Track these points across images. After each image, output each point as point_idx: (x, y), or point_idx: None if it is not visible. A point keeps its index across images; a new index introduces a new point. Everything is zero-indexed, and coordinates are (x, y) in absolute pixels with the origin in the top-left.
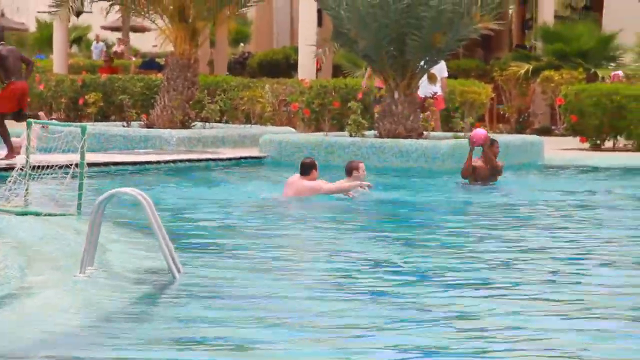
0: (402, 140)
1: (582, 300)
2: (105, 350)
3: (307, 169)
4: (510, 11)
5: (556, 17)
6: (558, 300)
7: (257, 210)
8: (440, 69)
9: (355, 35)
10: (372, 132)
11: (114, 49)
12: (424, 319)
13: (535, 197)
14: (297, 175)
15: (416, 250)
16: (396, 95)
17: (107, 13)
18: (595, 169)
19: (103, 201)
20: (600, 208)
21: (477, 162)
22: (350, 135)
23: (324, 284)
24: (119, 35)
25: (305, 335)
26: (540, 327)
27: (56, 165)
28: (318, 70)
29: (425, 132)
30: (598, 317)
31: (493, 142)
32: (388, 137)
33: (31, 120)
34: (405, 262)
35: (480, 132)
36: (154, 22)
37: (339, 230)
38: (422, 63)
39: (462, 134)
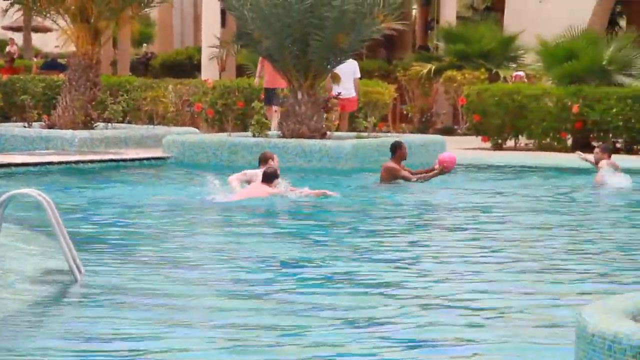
0: (305, 141)
1: (478, 302)
2: (2, 353)
3: (269, 177)
4: (413, 12)
5: (458, 17)
6: (461, 300)
7: (160, 212)
8: (354, 70)
9: (258, 36)
10: (276, 132)
11: (7, 49)
12: (327, 321)
13: (439, 197)
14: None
15: (324, 251)
16: (299, 96)
17: (6, 12)
18: (497, 168)
19: (3, 202)
20: (499, 207)
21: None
22: (254, 136)
23: (227, 285)
24: (21, 35)
25: (205, 336)
26: (444, 324)
27: None
28: (222, 70)
29: (328, 132)
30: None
31: (401, 145)
32: (292, 138)
33: None
34: (312, 263)
35: (453, 157)
36: (55, 22)
37: (249, 233)
38: (325, 63)
39: (365, 134)
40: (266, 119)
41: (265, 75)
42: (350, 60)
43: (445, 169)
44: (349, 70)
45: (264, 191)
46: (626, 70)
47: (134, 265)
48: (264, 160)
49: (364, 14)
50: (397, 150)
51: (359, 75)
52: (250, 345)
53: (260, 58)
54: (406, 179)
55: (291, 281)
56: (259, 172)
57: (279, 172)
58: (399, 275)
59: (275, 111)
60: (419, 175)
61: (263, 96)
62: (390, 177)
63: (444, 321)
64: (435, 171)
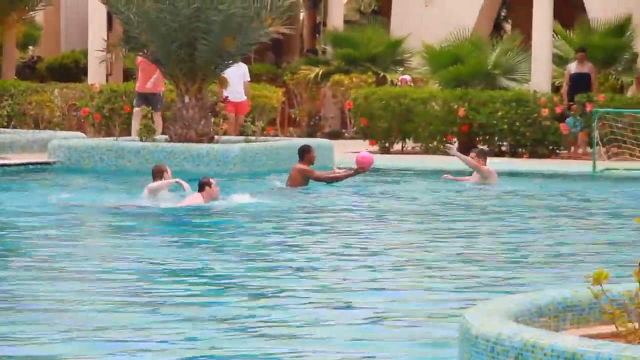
0: (193, 145)
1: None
2: None
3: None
4: (300, 15)
5: (346, 21)
6: (349, 303)
7: (44, 217)
8: (244, 74)
9: (145, 40)
10: (164, 136)
11: None
12: (221, 326)
13: (329, 201)
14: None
15: (218, 257)
16: (187, 100)
17: None
18: (384, 172)
19: None
20: (386, 210)
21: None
22: (141, 140)
23: (118, 292)
24: None
25: (95, 345)
26: (330, 325)
27: None
28: (109, 74)
29: (216, 136)
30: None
31: (310, 149)
32: (179, 142)
33: None
34: (206, 269)
35: (370, 157)
36: None
37: (143, 240)
38: (213, 67)
39: (253, 137)
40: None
41: (138, 80)
42: (240, 63)
43: (361, 169)
44: (238, 73)
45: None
46: (511, 74)
47: (18, 270)
48: (158, 173)
49: (251, 17)
50: (305, 154)
51: (248, 79)
52: (139, 350)
53: (137, 62)
54: (320, 180)
55: (183, 287)
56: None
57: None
58: (289, 279)
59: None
60: (332, 176)
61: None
62: (302, 179)
63: (330, 323)
64: (351, 172)
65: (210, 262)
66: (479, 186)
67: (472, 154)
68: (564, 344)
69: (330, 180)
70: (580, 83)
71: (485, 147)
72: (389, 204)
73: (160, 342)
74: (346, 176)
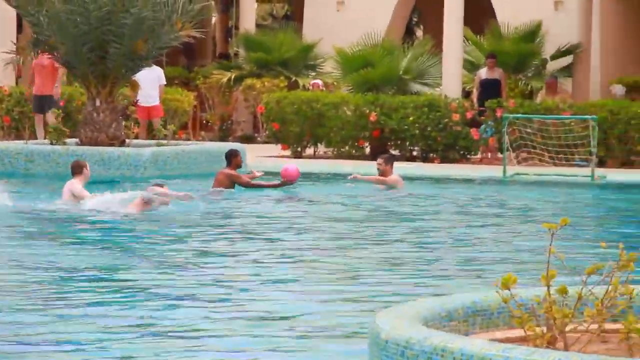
0: (104, 148)
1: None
2: None
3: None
4: (212, 19)
5: (258, 25)
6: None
7: None
8: (158, 77)
9: (55, 42)
10: (74, 140)
11: None
12: (126, 329)
13: (245, 206)
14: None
15: (124, 261)
16: (98, 103)
17: None
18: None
19: None
20: (300, 216)
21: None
22: (51, 143)
23: (21, 296)
24: None
25: (4, 348)
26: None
27: None
28: (18, 77)
29: (127, 140)
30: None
31: (237, 153)
32: (90, 145)
33: None
34: (106, 272)
35: (293, 171)
36: None
37: (51, 243)
38: (124, 70)
39: (165, 141)
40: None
41: (35, 83)
42: (154, 67)
43: (289, 182)
44: (152, 77)
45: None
46: (422, 79)
47: None
48: (77, 168)
49: (162, 21)
50: (232, 158)
51: (164, 82)
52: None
53: (33, 64)
54: (246, 185)
55: (93, 291)
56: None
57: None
58: (202, 285)
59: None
60: (257, 184)
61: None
62: (229, 183)
63: (245, 331)
64: (277, 182)
65: (122, 267)
66: (387, 192)
67: (380, 160)
68: (473, 348)
69: (255, 187)
70: (490, 89)
71: (395, 153)
72: (302, 209)
73: (72, 346)
74: (272, 186)
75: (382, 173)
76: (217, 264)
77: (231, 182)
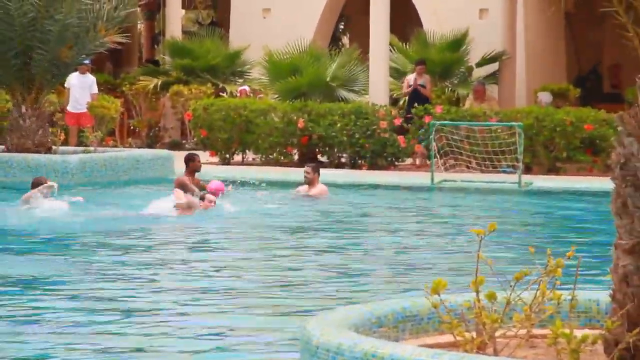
0: (30, 155)
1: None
2: None
3: None
4: (139, 26)
5: (184, 32)
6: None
7: None
8: (90, 85)
9: None
10: (0, 146)
11: None
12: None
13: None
14: None
15: (54, 269)
16: (23, 109)
17: None
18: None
19: None
20: (227, 223)
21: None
22: None
23: None
24: None
25: None
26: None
27: None
28: None
29: (54, 147)
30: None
31: (194, 157)
32: (16, 152)
33: None
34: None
35: (219, 185)
36: None
37: None
38: (49, 77)
39: (92, 148)
40: None
41: None
42: (88, 74)
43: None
44: (83, 85)
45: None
46: (349, 85)
47: None
48: (37, 183)
49: (87, 27)
50: (189, 162)
51: (96, 91)
52: None
53: None
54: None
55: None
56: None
57: None
58: (124, 292)
59: None
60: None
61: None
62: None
63: (169, 336)
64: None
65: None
66: (314, 200)
67: (307, 169)
68: (403, 353)
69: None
70: (418, 95)
71: (323, 159)
72: (231, 216)
73: None
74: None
75: (310, 181)
76: (151, 273)
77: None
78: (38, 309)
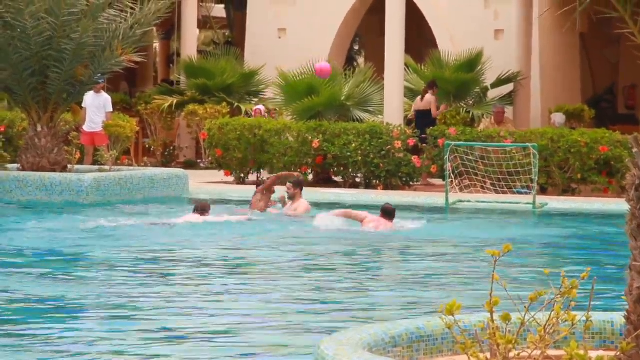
0: (46, 174)
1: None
2: None
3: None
4: (154, 45)
5: (200, 52)
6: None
7: None
8: (104, 105)
9: None
10: (15, 165)
11: None
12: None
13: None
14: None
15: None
16: (39, 128)
17: None
18: (239, 203)
19: None
20: (248, 241)
21: None
22: None
23: None
24: None
25: None
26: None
27: None
28: None
29: (69, 166)
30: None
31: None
32: (32, 170)
33: None
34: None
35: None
36: None
37: None
38: (65, 96)
39: (107, 167)
40: None
41: None
42: (102, 93)
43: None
44: (97, 103)
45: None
46: (363, 105)
47: None
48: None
49: (103, 46)
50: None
51: (110, 109)
52: None
53: None
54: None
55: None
56: None
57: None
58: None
59: None
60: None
61: None
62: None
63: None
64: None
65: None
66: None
67: (289, 185)
68: None
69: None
70: (422, 118)
71: (338, 179)
72: (241, 235)
73: None
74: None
75: (292, 196)
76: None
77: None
78: None
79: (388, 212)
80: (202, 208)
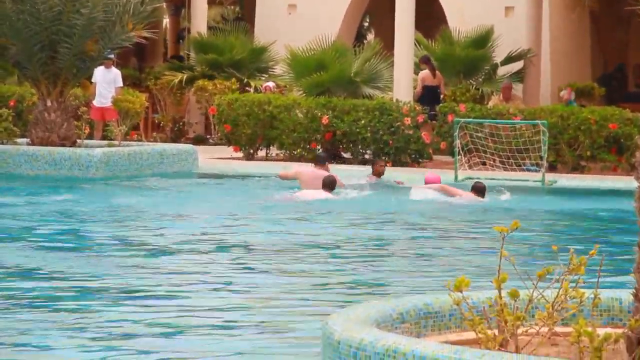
0: (55, 148)
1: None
2: None
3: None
4: (164, 21)
5: (209, 27)
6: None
7: None
8: (114, 79)
9: (5, 42)
10: (25, 139)
11: None
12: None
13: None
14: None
15: (62, 257)
16: (49, 103)
17: None
18: (247, 177)
19: None
20: (247, 217)
21: None
22: (2, 143)
23: None
24: None
25: None
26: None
27: None
28: None
29: (79, 140)
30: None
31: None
32: (41, 145)
33: None
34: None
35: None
36: None
37: None
38: (75, 71)
39: (116, 142)
40: None
41: None
42: (112, 68)
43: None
44: (108, 78)
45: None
46: (373, 82)
47: None
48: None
49: (113, 22)
50: (373, 165)
51: (120, 84)
52: None
53: None
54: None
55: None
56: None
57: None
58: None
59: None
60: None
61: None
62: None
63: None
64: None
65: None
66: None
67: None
68: (425, 350)
69: None
70: (432, 94)
71: (347, 156)
72: (255, 210)
73: None
74: None
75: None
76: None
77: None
78: None
79: (479, 190)
80: (330, 183)
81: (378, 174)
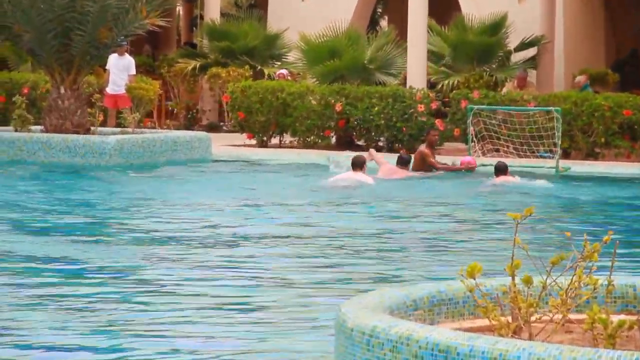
0: (69, 136)
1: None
2: None
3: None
4: (177, 8)
5: (223, 15)
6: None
7: None
8: (128, 67)
9: (19, 29)
10: (39, 127)
11: None
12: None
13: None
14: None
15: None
16: (62, 91)
17: None
18: (260, 164)
19: None
20: (259, 203)
21: None
22: (16, 130)
23: None
24: None
25: None
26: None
27: None
28: None
29: (92, 128)
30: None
31: (429, 131)
32: (55, 132)
33: None
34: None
35: (473, 161)
36: None
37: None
38: (88, 58)
39: (130, 129)
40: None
41: None
42: (126, 55)
43: (470, 169)
44: (121, 66)
45: (402, 172)
46: (386, 69)
47: None
48: (359, 164)
49: (127, 9)
50: (426, 135)
51: (134, 72)
52: None
53: None
54: (433, 166)
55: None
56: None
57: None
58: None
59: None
60: (442, 167)
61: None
62: (422, 163)
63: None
64: (460, 167)
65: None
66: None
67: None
68: (438, 337)
69: (439, 169)
70: None
71: (360, 143)
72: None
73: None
74: (455, 169)
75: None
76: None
77: (423, 162)
78: None
79: (500, 169)
80: (360, 163)
81: (431, 143)
